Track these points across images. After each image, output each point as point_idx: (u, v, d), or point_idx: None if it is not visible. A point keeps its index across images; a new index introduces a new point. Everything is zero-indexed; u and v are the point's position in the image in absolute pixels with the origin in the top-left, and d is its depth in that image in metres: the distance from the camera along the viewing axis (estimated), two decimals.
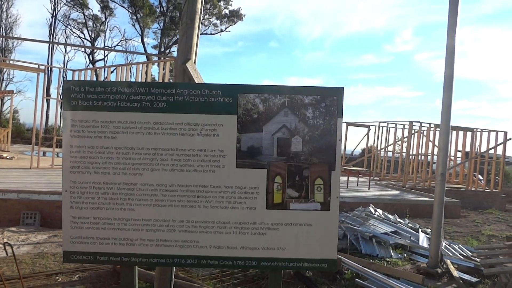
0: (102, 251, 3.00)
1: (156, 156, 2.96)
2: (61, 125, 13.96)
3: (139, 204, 2.97)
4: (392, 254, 6.79)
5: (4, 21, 41.13)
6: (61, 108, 12.90)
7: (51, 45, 41.61)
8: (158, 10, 42.26)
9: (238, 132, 2.99)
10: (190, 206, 2.97)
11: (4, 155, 15.52)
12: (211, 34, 42.55)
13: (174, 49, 42.58)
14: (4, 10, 41.16)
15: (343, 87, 3.08)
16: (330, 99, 3.05)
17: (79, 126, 2.99)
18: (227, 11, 41.96)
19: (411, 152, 17.08)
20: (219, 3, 40.81)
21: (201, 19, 4.12)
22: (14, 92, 19.43)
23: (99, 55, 42.96)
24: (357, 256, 6.27)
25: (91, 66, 39.34)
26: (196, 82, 3.77)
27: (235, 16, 42.08)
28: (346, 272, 5.52)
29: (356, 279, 5.31)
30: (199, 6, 4.02)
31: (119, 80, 11.51)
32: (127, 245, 2.99)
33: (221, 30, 42.62)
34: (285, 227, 2.99)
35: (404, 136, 17.85)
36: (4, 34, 40.62)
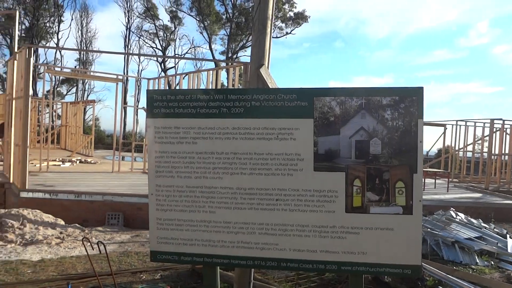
0: (186, 252, 3.13)
1: (235, 160, 3.03)
2: (137, 130, 14.73)
3: (219, 206, 3.06)
4: (478, 261, 6.40)
5: (84, 35, 44.40)
6: (136, 115, 13.60)
7: (126, 56, 44.07)
8: (224, 16, 43.28)
9: (314, 135, 2.98)
10: (269, 209, 3.01)
11: (89, 160, 16.67)
12: (276, 37, 42.77)
13: (241, 54, 43.43)
14: (84, 25, 44.44)
15: (422, 87, 2.97)
16: (409, 100, 2.95)
17: (162, 133, 3.15)
18: (291, 13, 42.02)
19: (493, 152, 16.00)
20: (283, 6, 40.95)
21: (272, 24, 4.16)
22: (95, 102, 20.81)
23: (170, 63, 44.78)
24: (438, 262, 5.99)
25: (163, 74, 41.14)
26: (270, 86, 3.82)
27: (300, 18, 42.01)
28: (428, 279, 5.29)
29: (439, 287, 5.08)
30: (270, 11, 4.07)
31: (190, 87, 11.93)
32: (209, 246, 3.09)
33: (287, 33, 42.74)
34: (365, 231, 2.94)
35: (485, 134, 16.76)
36: (85, 48, 43.74)
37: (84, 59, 43.84)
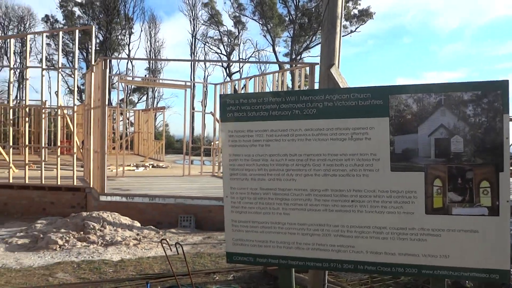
0: (262, 253, 3.16)
1: (308, 162, 3.02)
2: (204, 135, 15.14)
3: (294, 208, 3.06)
4: None
5: (153, 45, 46.55)
6: (204, 119, 14.00)
7: (192, 62, 45.52)
8: (287, 18, 43.37)
9: (390, 134, 2.90)
10: (344, 210, 2.96)
11: (161, 165, 17.39)
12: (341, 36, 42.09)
13: (305, 55, 43.26)
14: (152, 36, 46.59)
15: (507, 80, 2.78)
16: (493, 94, 2.78)
17: (236, 136, 3.21)
18: (356, 11, 41.21)
19: None
20: (347, 4, 40.24)
21: (341, 23, 4.10)
22: (165, 108, 21.73)
23: (234, 67, 45.62)
24: None
25: (228, 79, 42.03)
26: (341, 86, 3.77)
27: (364, 15, 41.10)
28: None
29: None
30: (339, 10, 4.02)
31: (256, 90, 12.06)
32: (284, 248, 3.10)
33: (351, 31, 41.93)
34: (447, 233, 2.80)
35: None
36: (153, 57, 45.80)
37: (153, 67, 45.92)
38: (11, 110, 14.00)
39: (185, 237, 8.17)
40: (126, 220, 8.52)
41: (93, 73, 10.96)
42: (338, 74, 3.82)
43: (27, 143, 13.52)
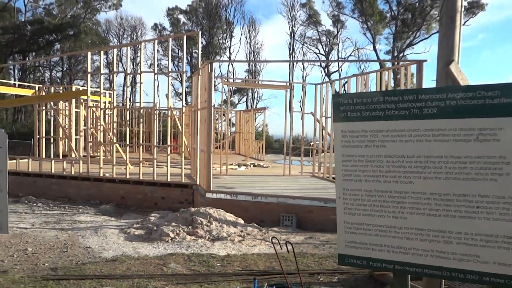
0: (375, 257, 3.07)
1: (428, 164, 2.87)
2: (303, 135, 15.13)
3: (411, 212, 2.93)
4: None
5: (252, 48, 47.84)
6: (304, 120, 13.99)
7: (291, 63, 45.84)
8: (388, 15, 41.75)
9: None
10: (468, 217, 2.76)
11: (261, 164, 17.78)
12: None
13: (408, 52, 41.27)
14: (252, 38, 47.89)
15: None
16: None
17: (349, 137, 3.16)
18: (465, 3, 38.23)
19: None
20: None
21: (462, 17, 3.84)
22: (265, 109, 22.16)
23: (333, 67, 45.03)
24: None
25: (327, 78, 41.63)
26: (461, 84, 3.53)
27: (475, 7, 38.01)
28: None
29: None
30: (459, 3, 3.77)
31: (358, 89, 11.76)
32: (400, 254, 2.98)
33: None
34: None
35: None
36: (253, 59, 47.01)
37: (253, 69, 47.17)
38: (127, 112, 15.34)
39: (287, 236, 8.24)
40: (230, 217, 8.85)
41: (199, 76, 11.57)
42: (458, 71, 3.58)
43: (140, 142, 14.72)
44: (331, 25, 45.12)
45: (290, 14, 46.64)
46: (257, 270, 6.00)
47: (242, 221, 8.88)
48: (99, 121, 16.83)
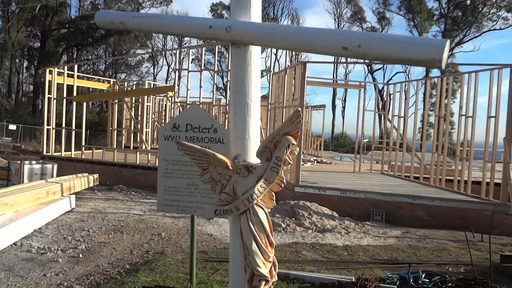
0: None
1: None
2: (374, 134, 15.53)
3: None
4: None
5: None
6: (375, 119, 14.40)
7: (335, 64, 46.05)
8: (437, 12, 41.33)
9: None
10: None
11: (324, 160, 18.30)
12: (500, 29, 38.88)
13: (456, 50, 40.74)
14: None
15: None
16: None
17: None
18: None
19: None
20: None
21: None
22: (325, 107, 22.60)
23: (376, 64, 44.85)
24: None
25: (369, 76, 41.64)
26: None
27: None
28: None
29: None
30: None
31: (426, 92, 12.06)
32: None
33: None
34: None
35: None
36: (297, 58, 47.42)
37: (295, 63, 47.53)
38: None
39: (384, 230, 8.75)
40: (326, 210, 9.42)
41: (286, 75, 12.16)
42: None
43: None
44: (376, 22, 45.07)
45: (336, 11, 46.82)
46: (383, 259, 6.51)
47: (336, 215, 9.42)
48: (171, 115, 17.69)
